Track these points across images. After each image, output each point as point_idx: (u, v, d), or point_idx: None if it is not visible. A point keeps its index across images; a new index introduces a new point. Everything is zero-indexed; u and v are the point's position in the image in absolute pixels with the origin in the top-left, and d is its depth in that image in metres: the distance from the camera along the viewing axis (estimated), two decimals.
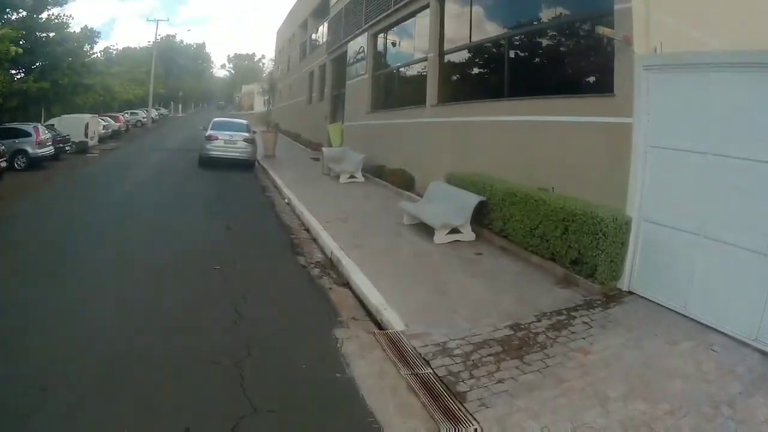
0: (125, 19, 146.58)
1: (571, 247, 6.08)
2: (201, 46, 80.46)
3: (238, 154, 15.25)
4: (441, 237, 7.64)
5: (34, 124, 16.12)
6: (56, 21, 22.29)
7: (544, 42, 8.45)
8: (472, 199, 7.68)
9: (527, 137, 8.06)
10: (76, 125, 19.72)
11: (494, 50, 9.63)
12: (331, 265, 6.83)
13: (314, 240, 8.06)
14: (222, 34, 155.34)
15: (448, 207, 8.02)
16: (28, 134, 15.38)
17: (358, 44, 15.94)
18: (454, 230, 7.72)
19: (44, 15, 22.04)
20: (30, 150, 15.23)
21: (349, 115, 17.03)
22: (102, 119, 24.97)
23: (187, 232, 8.09)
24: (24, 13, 21.47)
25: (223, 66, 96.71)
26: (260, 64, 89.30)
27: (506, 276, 6.35)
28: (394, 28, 13.82)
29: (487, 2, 10.10)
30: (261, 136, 18.76)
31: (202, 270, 6.21)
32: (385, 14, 13.71)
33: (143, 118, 38.22)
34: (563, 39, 8.05)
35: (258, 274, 6.30)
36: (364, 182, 13.16)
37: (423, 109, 11.40)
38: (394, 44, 14.25)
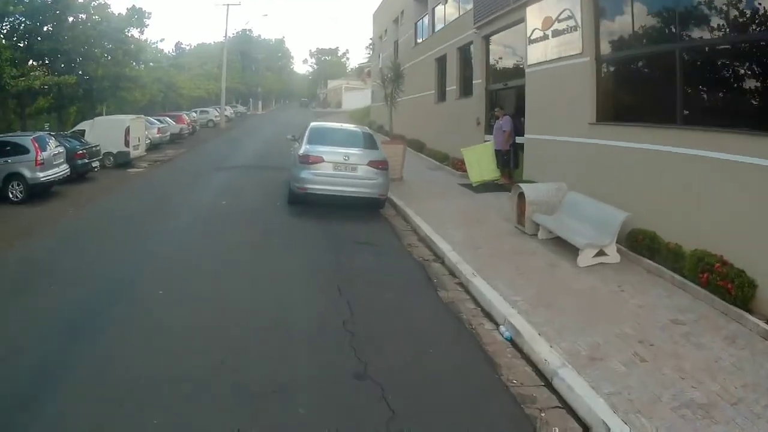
0: (201, 15, 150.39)
1: None
2: (280, 41, 77.25)
3: (359, 189, 8.72)
4: None
5: (36, 133, 10.80)
6: (96, 3, 17.34)
7: None
8: None
9: None
10: (113, 130, 14.40)
11: None
12: None
13: None
14: (302, 30, 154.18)
15: None
16: (24, 150, 10.08)
17: (557, 7, 8.75)
18: None
19: None
20: (28, 174, 9.99)
21: (534, 122, 9.84)
22: (157, 120, 19.83)
23: None
24: None
25: (304, 61, 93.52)
26: (344, 59, 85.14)
27: None
28: None
29: None
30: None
31: None
32: None
33: (215, 117, 33.64)
34: None
35: None
36: (619, 264, 6.06)
37: None
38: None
